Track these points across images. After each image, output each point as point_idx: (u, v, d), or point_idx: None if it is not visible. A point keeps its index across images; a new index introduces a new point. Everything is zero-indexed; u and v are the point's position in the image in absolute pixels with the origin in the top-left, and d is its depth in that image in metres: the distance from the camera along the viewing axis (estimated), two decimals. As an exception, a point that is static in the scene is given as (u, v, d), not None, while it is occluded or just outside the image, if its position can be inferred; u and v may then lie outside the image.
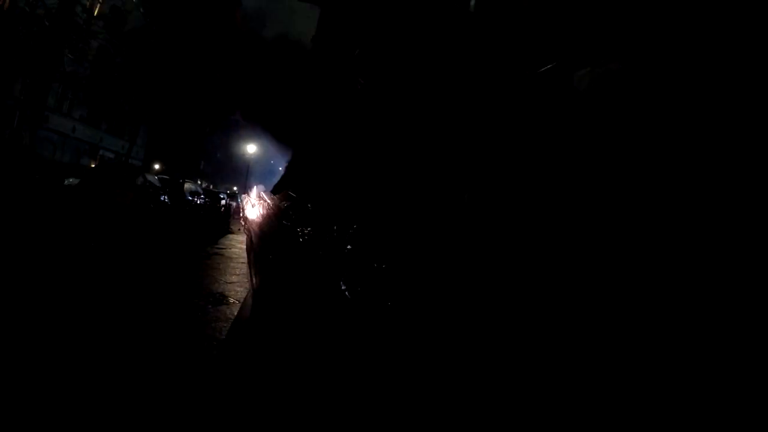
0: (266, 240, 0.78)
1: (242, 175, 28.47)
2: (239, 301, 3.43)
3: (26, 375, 1.87)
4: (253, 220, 0.92)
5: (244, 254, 7.11)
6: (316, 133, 0.96)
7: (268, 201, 0.82)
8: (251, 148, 26.59)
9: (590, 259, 1.07)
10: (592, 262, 1.07)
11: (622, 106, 1.05)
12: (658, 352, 0.94)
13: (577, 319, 1.06)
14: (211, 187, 28.40)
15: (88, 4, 16.61)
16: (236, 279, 4.74)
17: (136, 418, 1.64)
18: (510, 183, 1.37)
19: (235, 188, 32.75)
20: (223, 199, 17.36)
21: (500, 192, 1.41)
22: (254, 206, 0.91)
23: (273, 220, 0.78)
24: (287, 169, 1.00)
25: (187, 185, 12.12)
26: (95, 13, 17.47)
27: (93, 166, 18.60)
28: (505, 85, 1.52)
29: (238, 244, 8.84)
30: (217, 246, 8.06)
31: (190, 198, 11.62)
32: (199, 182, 21.75)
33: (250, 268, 1.00)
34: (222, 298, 3.71)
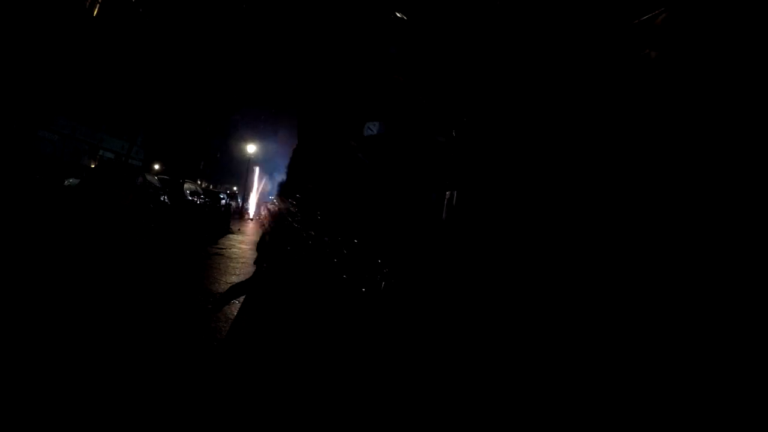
0: (277, 241, 0.78)
1: (242, 175, 28.44)
2: (239, 301, 3.42)
3: (29, 371, 1.86)
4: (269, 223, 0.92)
5: (244, 254, 7.11)
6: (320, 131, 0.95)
7: (280, 206, 0.82)
8: (251, 148, 26.55)
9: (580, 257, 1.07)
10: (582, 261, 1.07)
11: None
12: (655, 351, 0.94)
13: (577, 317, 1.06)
14: (211, 187, 28.37)
15: (87, 4, 16.62)
16: (236, 279, 4.74)
17: (136, 416, 1.63)
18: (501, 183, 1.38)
19: (235, 188, 32.74)
20: (223, 199, 17.34)
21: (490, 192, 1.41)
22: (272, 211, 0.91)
23: (283, 223, 0.78)
24: (291, 168, 0.99)
25: (187, 185, 12.11)
26: (95, 13, 17.47)
27: (93, 166, 18.58)
28: (503, 83, 1.52)
29: (238, 244, 8.83)
30: (217, 246, 8.06)
31: (190, 198, 11.62)
32: (199, 182, 21.75)
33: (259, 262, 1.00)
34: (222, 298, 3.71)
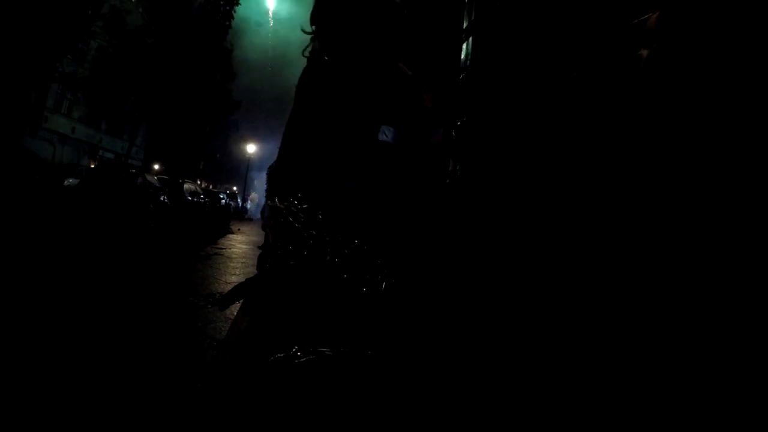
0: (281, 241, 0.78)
1: (242, 176, 28.45)
2: (239, 301, 3.41)
3: (27, 374, 1.87)
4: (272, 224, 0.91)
5: (244, 254, 7.07)
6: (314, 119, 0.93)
7: (281, 205, 0.81)
8: (251, 148, 26.56)
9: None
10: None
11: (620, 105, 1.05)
12: (656, 352, 0.94)
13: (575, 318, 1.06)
14: (211, 187, 28.39)
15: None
16: (236, 279, 4.74)
17: (136, 417, 1.64)
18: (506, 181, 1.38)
19: (234, 188, 32.77)
20: (223, 199, 17.36)
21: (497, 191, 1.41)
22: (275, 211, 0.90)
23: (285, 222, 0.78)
24: (282, 160, 0.97)
25: (187, 185, 12.11)
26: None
27: (93, 166, 18.58)
28: (501, 83, 1.53)
29: (237, 244, 8.84)
30: (217, 246, 8.06)
31: (189, 198, 11.61)
32: (198, 182, 21.75)
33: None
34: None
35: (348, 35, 0.89)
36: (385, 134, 0.84)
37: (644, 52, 0.94)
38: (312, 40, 0.98)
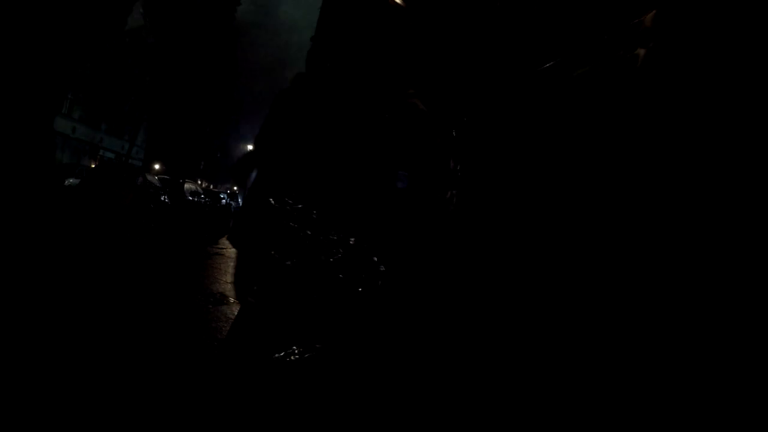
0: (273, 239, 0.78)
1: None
2: (239, 303, 3.40)
3: (29, 372, 1.87)
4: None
5: (245, 254, 7.04)
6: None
7: (274, 204, 0.81)
8: (251, 148, 26.56)
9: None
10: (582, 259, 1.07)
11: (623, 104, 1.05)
12: (656, 351, 0.94)
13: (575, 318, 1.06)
14: (212, 187, 28.38)
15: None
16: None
17: (137, 417, 1.64)
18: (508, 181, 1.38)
19: (235, 188, 32.77)
20: (223, 199, 17.36)
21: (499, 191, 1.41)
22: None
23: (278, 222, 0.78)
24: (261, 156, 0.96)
25: (187, 185, 12.10)
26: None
27: (93, 166, 18.59)
28: (503, 84, 1.53)
29: (238, 244, 8.81)
30: (217, 246, 8.06)
31: (190, 198, 11.61)
32: (199, 182, 21.74)
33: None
34: (222, 298, 3.71)
35: (354, 38, 0.89)
36: (401, 181, 0.85)
37: (641, 52, 0.94)
38: (313, 43, 0.99)
